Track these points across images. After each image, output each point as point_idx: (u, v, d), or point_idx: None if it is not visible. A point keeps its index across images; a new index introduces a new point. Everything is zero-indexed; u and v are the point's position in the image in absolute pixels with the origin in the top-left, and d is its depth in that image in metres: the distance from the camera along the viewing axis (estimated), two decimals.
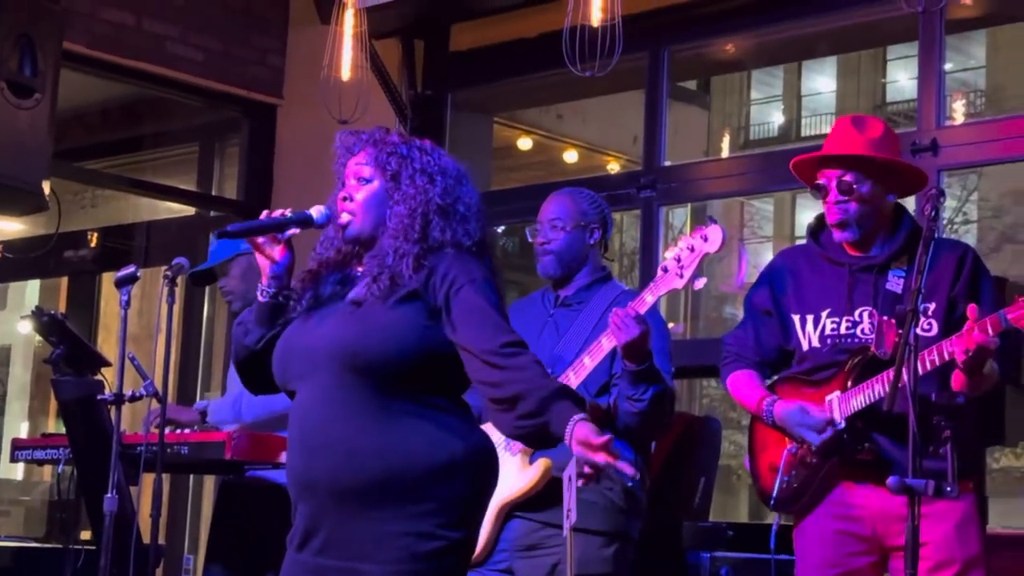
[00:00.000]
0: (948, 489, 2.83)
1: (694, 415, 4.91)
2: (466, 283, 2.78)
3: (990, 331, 3.09)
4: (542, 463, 3.68)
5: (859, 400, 3.32)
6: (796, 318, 3.50)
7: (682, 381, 16.24)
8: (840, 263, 3.46)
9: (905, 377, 2.88)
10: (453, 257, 2.82)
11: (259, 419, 4.35)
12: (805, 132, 21.29)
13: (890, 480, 2.82)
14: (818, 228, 3.57)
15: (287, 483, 2.88)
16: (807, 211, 21.23)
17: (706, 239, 3.31)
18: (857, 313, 3.40)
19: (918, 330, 3.26)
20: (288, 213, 2.92)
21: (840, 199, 3.41)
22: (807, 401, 3.42)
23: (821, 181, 3.47)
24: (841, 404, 3.36)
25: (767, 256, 21.43)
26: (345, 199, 2.89)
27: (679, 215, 16.99)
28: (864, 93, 20.65)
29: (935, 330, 3.32)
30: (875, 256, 3.45)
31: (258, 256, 2.93)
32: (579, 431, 2.65)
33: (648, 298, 3.45)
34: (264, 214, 2.93)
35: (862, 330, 3.37)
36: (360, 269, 2.91)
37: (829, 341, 3.42)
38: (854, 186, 3.41)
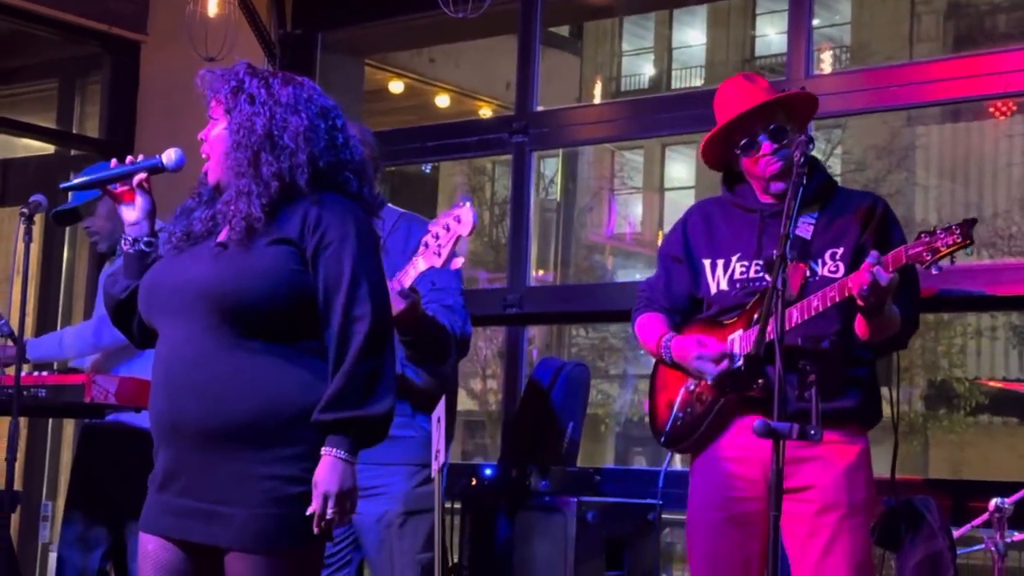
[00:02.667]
0: (812, 432, 2.89)
1: (562, 361, 4.93)
2: (334, 240, 2.74)
3: (890, 266, 3.11)
4: None
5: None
6: (707, 263, 3.52)
7: (551, 328, 16.41)
8: (752, 209, 3.49)
9: (772, 323, 2.92)
10: (327, 205, 2.77)
11: (117, 343, 4.30)
12: (675, 84, 21.48)
13: (756, 423, 2.86)
14: (731, 178, 3.59)
15: (150, 425, 2.82)
16: (676, 163, 21.48)
17: (459, 220, 3.32)
18: (766, 257, 3.42)
19: (825, 271, 3.34)
20: (139, 159, 2.89)
21: (776, 147, 3.42)
22: (706, 336, 3.44)
23: (744, 140, 3.46)
24: (742, 341, 3.38)
25: (636, 207, 21.64)
26: (201, 141, 2.85)
27: (550, 165, 17.04)
28: (734, 46, 20.88)
29: (841, 272, 3.35)
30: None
31: (118, 206, 2.92)
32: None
33: (411, 271, 3.46)
34: (113, 163, 2.91)
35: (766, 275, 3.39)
36: None
37: (738, 285, 3.44)
38: (786, 128, 3.42)
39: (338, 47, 6.68)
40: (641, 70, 22.23)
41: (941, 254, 3.06)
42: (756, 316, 3.35)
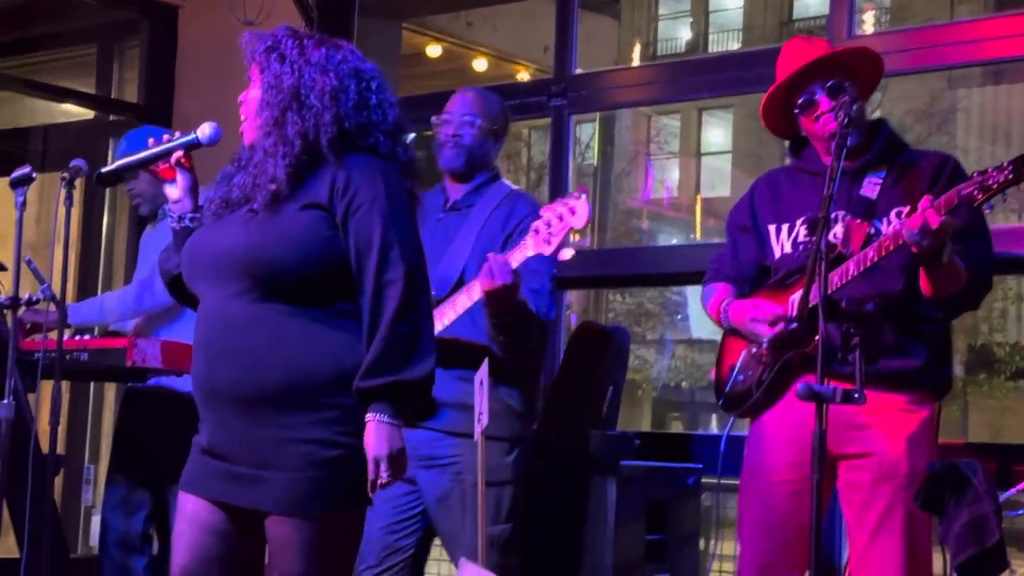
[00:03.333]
0: (856, 396, 2.85)
1: (603, 326, 4.90)
2: (364, 203, 2.72)
3: (943, 208, 3.03)
4: None
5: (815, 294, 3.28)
6: (772, 228, 3.48)
7: (588, 292, 16.40)
8: (816, 172, 3.42)
9: (816, 286, 2.89)
10: (357, 167, 2.75)
11: (153, 308, 4.32)
12: (712, 48, 21.35)
13: (799, 386, 2.83)
14: (798, 144, 3.54)
15: (192, 389, 2.83)
16: (713, 128, 21.38)
17: (573, 212, 3.34)
18: (831, 217, 3.37)
19: (889, 231, 3.26)
20: (176, 136, 2.90)
21: (833, 104, 3.33)
22: (762, 300, 3.40)
23: (802, 98, 3.41)
24: (801, 301, 3.32)
25: (673, 172, 21.55)
26: (240, 104, 2.85)
27: (586, 130, 16.98)
28: (772, 8, 20.73)
29: None
30: (851, 163, 3.39)
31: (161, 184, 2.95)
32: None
33: (518, 255, 3.47)
34: (151, 141, 2.91)
35: (834, 235, 3.31)
36: None
37: (801, 247, 3.39)
38: (844, 84, 3.35)
39: (375, 11, 6.66)
40: (678, 34, 22.11)
41: (992, 192, 2.99)
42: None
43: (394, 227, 2.72)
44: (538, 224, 3.39)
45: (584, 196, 3.35)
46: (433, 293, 3.69)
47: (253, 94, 2.82)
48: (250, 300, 2.72)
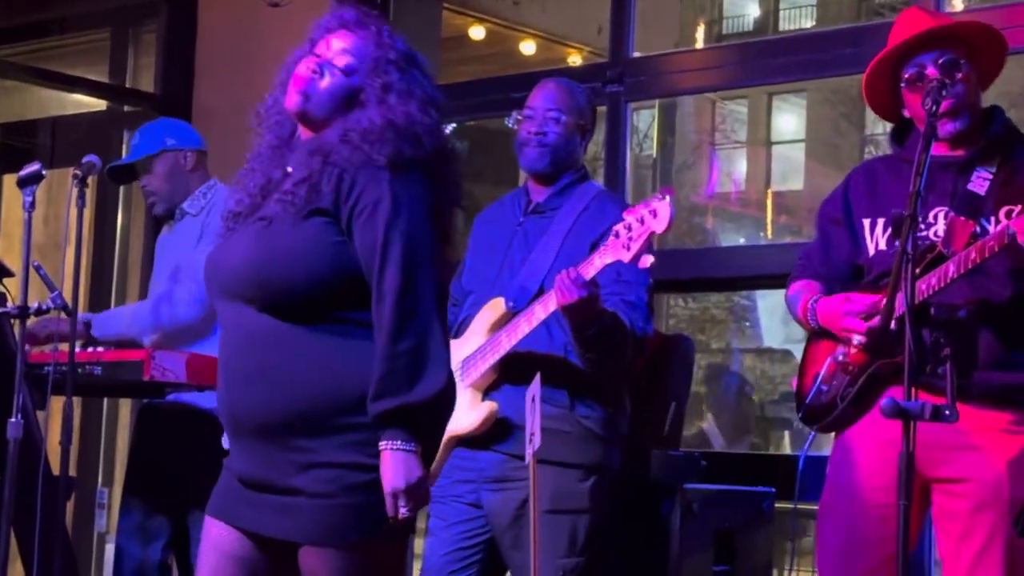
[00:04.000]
0: (947, 413, 2.82)
1: (665, 335, 4.89)
2: (368, 205, 2.72)
3: None
4: (488, 407, 3.73)
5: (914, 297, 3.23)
6: (867, 222, 3.45)
7: None
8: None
9: (903, 292, 2.86)
10: (361, 166, 2.76)
11: (181, 324, 4.33)
12: (783, 26, 21.25)
13: (883, 402, 2.80)
14: (900, 130, 3.50)
15: (218, 412, 2.86)
16: (785, 114, 21.26)
17: (655, 215, 3.33)
18: (932, 214, 3.32)
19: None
20: None
21: (946, 81, 3.27)
22: (855, 293, 3.36)
23: (909, 71, 3.37)
24: (900, 304, 3.29)
25: (741, 164, 21.47)
26: (314, 73, 2.83)
27: (644, 118, 16.94)
28: None
29: None
30: (959, 153, 3.36)
31: None
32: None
33: (597, 262, 3.48)
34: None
35: (935, 232, 3.29)
36: (287, 171, 2.84)
37: (897, 244, 3.36)
38: (960, 61, 3.28)
39: None
40: (745, 10, 22.02)
41: None
42: (916, 273, 3.21)
43: (394, 229, 2.71)
44: (618, 228, 3.40)
45: (668, 198, 3.34)
46: (510, 304, 3.72)
47: (332, 81, 2.83)
48: (264, 319, 2.75)
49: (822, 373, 3.42)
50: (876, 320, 3.23)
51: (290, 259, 2.72)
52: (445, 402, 2.71)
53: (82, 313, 4.66)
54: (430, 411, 2.69)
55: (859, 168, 3.61)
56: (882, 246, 3.41)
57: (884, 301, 3.19)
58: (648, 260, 3.39)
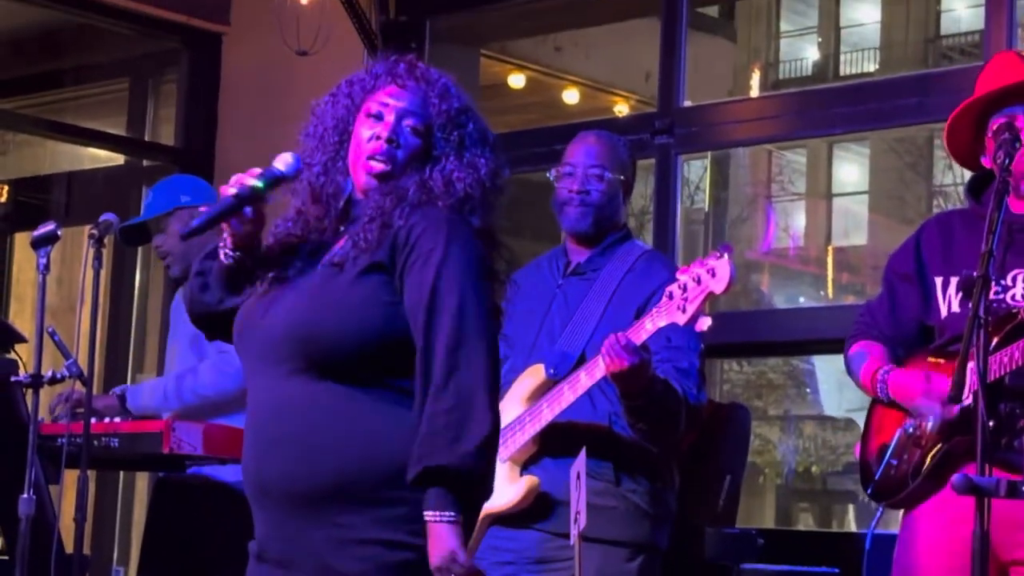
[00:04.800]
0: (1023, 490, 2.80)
1: (718, 403, 4.87)
2: (422, 255, 2.72)
3: None
4: (528, 481, 3.72)
5: (993, 371, 3.19)
6: (939, 281, 3.43)
7: None
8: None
9: (973, 359, 2.85)
10: (421, 215, 2.76)
11: (206, 398, 4.34)
12: (844, 71, 21.28)
13: (955, 478, 2.79)
14: (978, 184, 3.49)
15: (243, 483, 2.85)
16: (846, 164, 21.25)
17: (713, 274, 3.32)
18: (1010, 277, 3.31)
19: None
20: (253, 177, 2.81)
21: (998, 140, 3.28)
22: (935, 373, 3.34)
23: (998, 121, 3.35)
24: (974, 375, 3.18)
25: (799, 217, 21.45)
26: (391, 142, 2.83)
27: (695, 169, 16.97)
28: (915, 24, 20.63)
29: None
30: None
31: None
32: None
33: (648, 325, 3.46)
34: (234, 181, 2.82)
35: (1013, 296, 3.28)
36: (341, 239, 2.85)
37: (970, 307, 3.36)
38: None
39: (449, 36, 6.73)
40: (804, 54, 22.06)
41: None
42: (994, 344, 3.19)
43: (449, 279, 2.71)
44: (672, 288, 3.39)
45: (728, 256, 3.33)
46: (551, 371, 3.71)
47: (407, 147, 2.83)
48: (304, 380, 2.73)
49: (892, 446, 3.40)
50: (957, 409, 3.21)
51: (342, 315, 2.72)
52: (483, 467, 2.68)
53: (118, 386, 4.69)
54: (471, 475, 2.66)
55: (933, 220, 3.59)
56: (955, 308, 3.39)
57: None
58: (705, 323, 3.37)
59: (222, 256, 2.90)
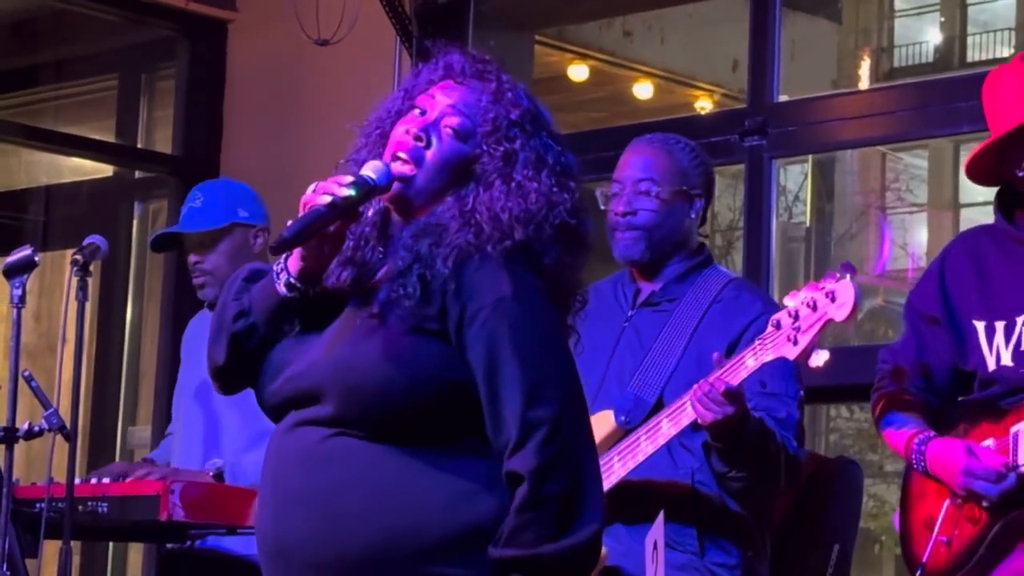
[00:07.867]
0: None
1: (824, 456, 4.86)
2: (485, 307, 2.72)
3: None
4: None
5: None
6: (980, 326, 3.47)
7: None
8: None
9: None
10: (478, 263, 2.76)
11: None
12: (972, 56, 21.22)
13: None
14: (1010, 201, 3.51)
15: (256, 547, 2.86)
16: None
17: (833, 298, 3.32)
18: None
19: None
20: (344, 186, 2.77)
21: None
22: (978, 437, 3.38)
23: None
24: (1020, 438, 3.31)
25: (920, 232, 21.38)
26: (419, 139, 2.83)
27: (793, 175, 16.96)
28: None
29: None
30: None
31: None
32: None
33: (750, 362, 3.47)
34: (314, 189, 2.77)
35: None
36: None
37: None
38: None
39: (498, 20, 6.76)
40: (923, 36, 22.02)
41: None
42: None
43: (532, 340, 2.73)
44: (780, 316, 3.39)
45: (850, 276, 3.33)
46: (622, 419, 3.70)
47: (442, 151, 2.82)
48: (339, 432, 2.75)
49: (939, 520, 3.43)
50: (1011, 480, 3.27)
51: (392, 362, 2.72)
52: (587, 560, 2.71)
53: (209, 461, 4.56)
54: (571, 567, 2.69)
55: (958, 245, 3.62)
56: (1006, 360, 3.43)
57: (1014, 446, 3.30)
58: (822, 357, 3.36)
59: (280, 287, 2.86)
